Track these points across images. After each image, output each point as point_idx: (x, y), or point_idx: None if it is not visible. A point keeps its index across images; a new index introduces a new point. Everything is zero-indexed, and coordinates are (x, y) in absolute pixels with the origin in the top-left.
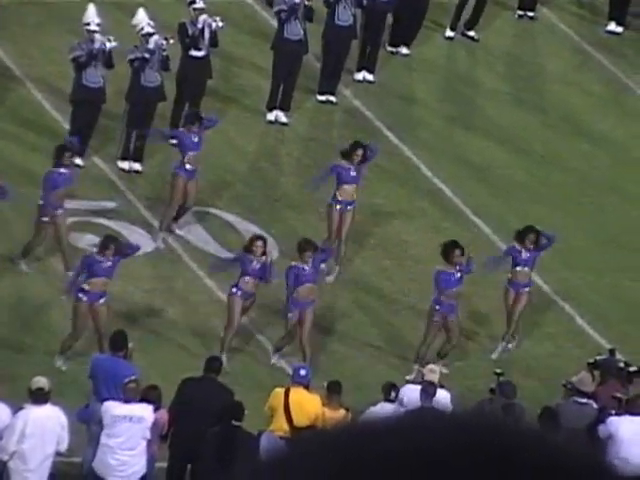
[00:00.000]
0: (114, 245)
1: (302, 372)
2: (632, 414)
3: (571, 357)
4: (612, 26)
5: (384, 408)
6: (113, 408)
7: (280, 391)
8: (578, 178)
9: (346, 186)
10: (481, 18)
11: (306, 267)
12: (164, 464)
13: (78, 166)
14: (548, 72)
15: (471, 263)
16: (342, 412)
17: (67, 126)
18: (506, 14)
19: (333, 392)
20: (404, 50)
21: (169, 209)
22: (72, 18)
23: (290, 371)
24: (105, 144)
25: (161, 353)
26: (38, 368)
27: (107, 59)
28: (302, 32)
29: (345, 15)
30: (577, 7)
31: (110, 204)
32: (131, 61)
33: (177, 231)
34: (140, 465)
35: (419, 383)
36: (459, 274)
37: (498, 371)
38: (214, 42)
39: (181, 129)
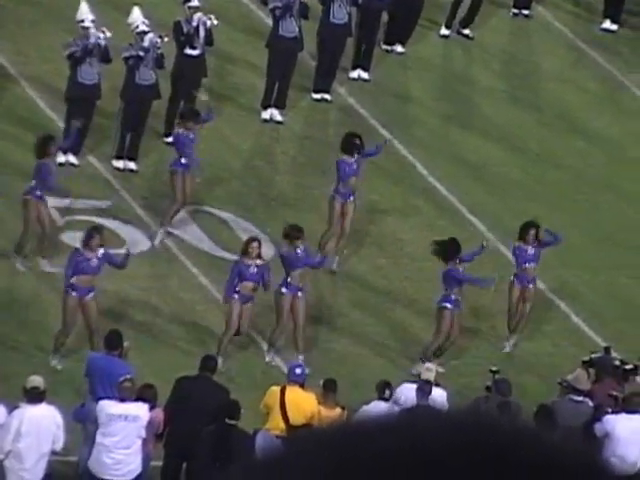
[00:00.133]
0: (98, 235)
1: (298, 370)
2: (628, 412)
3: (567, 355)
4: (607, 24)
5: (378, 407)
6: (108, 407)
7: (276, 389)
8: (573, 176)
9: (348, 179)
10: (476, 16)
11: (299, 251)
12: (159, 463)
13: (73, 165)
14: (543, 70)
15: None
16: (338, 410)
17: (62, 124)
18: (501, 12)
19: (329, 390)
20: (399, 48)
21: (173, 206)
22: (68, 17)
23: (286, 369)
24: (100, 143)
25: (156, 352)
26: (33, 367)
27: (104, 54)
28: (297, 29)
29: (340, 13)
30: (572, 5)
31: (105, 203)
32: (126, 59)
33: (171, 230)
34: (135, 464)
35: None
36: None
37: (494, 369)
38: (209, 41)
39: (177, 127)
